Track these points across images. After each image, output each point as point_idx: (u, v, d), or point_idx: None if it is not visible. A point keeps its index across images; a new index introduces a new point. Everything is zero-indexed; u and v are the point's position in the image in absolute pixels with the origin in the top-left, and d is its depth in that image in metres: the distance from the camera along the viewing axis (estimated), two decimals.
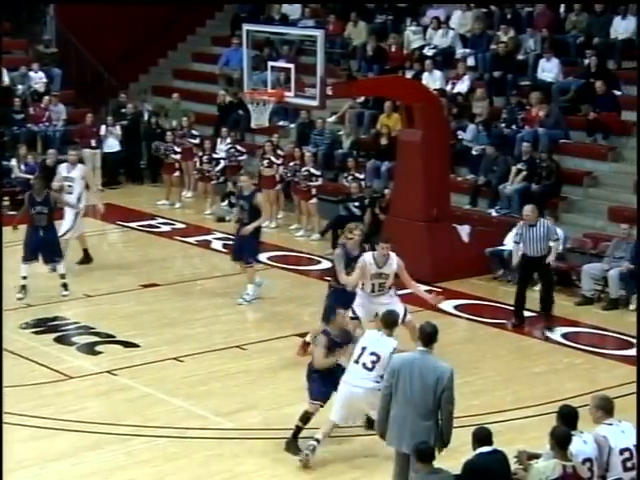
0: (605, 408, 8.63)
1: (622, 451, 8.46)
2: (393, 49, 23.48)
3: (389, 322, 10.68)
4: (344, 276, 13.20)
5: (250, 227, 15.70)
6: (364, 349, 10.57)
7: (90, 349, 13.94)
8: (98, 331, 14.59)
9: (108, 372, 13.12)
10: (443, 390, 9.09)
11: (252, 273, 15.96)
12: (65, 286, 15.85)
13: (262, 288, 16.13)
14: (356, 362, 10.59)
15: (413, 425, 9.09)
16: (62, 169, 17.54)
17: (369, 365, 10.48)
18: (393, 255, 13.26)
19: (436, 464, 8.43)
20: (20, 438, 11.32)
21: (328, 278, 14.15)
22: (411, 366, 9.19)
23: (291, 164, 20.41)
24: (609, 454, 8.42)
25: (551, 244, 15.12)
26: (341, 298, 13.22)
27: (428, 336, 9.42)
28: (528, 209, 15.28)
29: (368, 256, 13.16)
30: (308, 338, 13.51)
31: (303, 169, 20.20)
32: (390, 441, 9.37)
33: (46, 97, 24.13)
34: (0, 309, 12.46)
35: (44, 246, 15.74)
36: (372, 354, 10.49)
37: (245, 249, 15.93)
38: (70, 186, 17.19)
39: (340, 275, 13.28)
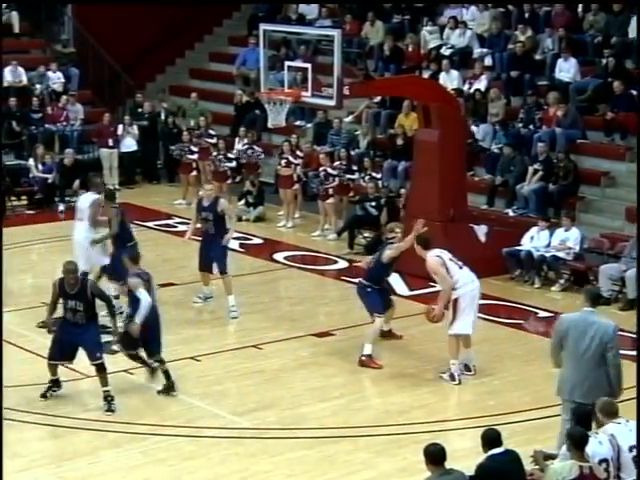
0: (606, 411, 8.64)
1: (631, 448, 8.45)
2: (410, 49, 23.45)
3: None
4: (449, 280, 13.02)
5: (229, 235, 15.20)
6: None
7: (107, 348, 13.93)
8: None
9: (125, 371, 13.14)
10: (609, 343, 9.98)
11: (229, 283, 15.29)
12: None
13: (211, 301, 15.68)
14: None
15: (586, 377, 9.96)
16: None
17: None
18: None
19: (449, 465, 8.41)
20: (38, 436, 11.38)
21: (364, 281, 13.96)
22: (581, 324, 10.12)
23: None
24: (618, 452, 8.41)
25: None
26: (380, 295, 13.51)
27: (595, 297, 10.50)
28: None
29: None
30: (366, 351, 13.43)
31: (320, 169, 20.21)
32: (564, 393, 10.23)
33: (64, 97, 24.20)
34: (0, 309, 12.47)
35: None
36: None
37: (217, 259, 15.25)
38: None
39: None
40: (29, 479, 10.43)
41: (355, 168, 20.33)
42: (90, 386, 12.65)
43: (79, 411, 11.90)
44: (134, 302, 12.28)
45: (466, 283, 13.10)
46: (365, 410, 12.21)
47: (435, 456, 8.26)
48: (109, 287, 14.46)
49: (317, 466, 10.78)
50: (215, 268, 15.37)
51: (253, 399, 12.43)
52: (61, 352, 12.22)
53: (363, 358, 13.45)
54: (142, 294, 12.16)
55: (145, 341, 12.40)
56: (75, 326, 12.03)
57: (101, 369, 12.10)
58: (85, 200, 15.38)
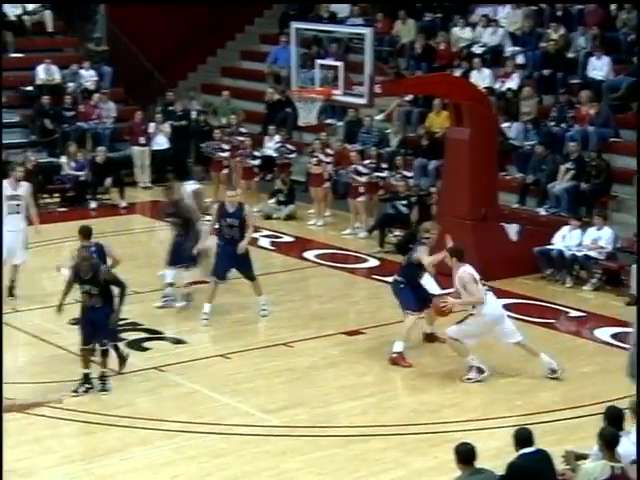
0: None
1: None
2: (442, 47, 23.41)
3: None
4: (479, 295, 12.84)
5: (245, 243, 14.79)
6: None
7: (138, 345, 14.04)
8: (146, 327, 14.68)
9: (156, 368, 13.21)
10: None
11: (259, 285, 15.17)
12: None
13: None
14: None
15: None
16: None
17: None
18: None
19: (479, 464, 8.40)
20: (69, 433, 11.45)
21: (398, 277, 13.95)
22: None
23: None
24: None
25: None
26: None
27: None
28: None
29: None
30: (397, 348, 13.43)
31: (351, 167, 20.21)
32: None
33: (96, 95, 24.33)
34: (0, 309, 12.53)
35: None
36: None
37: (245, 266, 15.00)
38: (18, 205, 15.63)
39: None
40: (61, 475, 10.48)
41: (385, 166, 20.33)
42: (121, 383, 12.72)
43: (110, 408, 11.94)
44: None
45: (493, 307, 12.98)
46: (395, 409, 12.20)
47: (466, 455, 8.25)
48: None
49: (347, 464, 10.78)
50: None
51: (283, 397, 12.45)
52: (88, 337, 12.53)
53: (394, 356, 13.44)
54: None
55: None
56: (92, 309, 12.47)
57: (105, 354, 12.50)
58: (188, 189, 15.56)
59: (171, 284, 15.53)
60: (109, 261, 13.52)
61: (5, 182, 15.49)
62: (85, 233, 13.55)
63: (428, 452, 11.03)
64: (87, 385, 12.47)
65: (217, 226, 15.03)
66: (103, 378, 12.44)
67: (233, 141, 22.53)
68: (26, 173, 17.32)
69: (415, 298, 13.62)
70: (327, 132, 21.97)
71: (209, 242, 15.22)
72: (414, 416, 11.96)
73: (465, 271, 12.93)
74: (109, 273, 12.58)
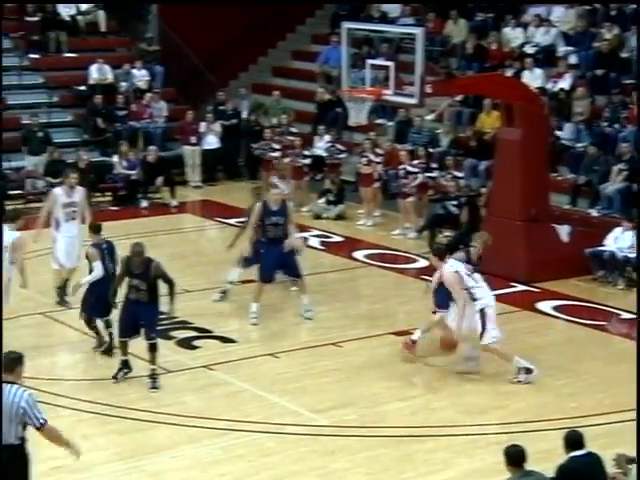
0: None
1: None
2: (493, 47, 23.30)
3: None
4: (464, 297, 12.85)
5: (293, 240, 14.68)
6: None
7: (188, 344, 14.11)
8: (196, 326, 14.75)
9: (205, 367, 13.26)
10: None
11: (304, 284, 15.13)
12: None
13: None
14: None
15: None
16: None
17: None
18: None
19: (529, 467, 8.34)
20: (119, 430, 11.52)
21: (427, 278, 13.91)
22: None
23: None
24: None
25: None
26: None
27: None
28: None
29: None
30: (415, 336, 13.46)
31: (400, 167, 20.17)
32: None
33: (148, 94, 24.48)
34: (0, 311, 12.63)
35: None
36: None
37: (291, 265, 14.94)
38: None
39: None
40: (111, 472, 10.56)
41: (435, 166, 20.26)
42: (171, 381, 12.79)
43: (160, 406, 12.01)
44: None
45: (488, 296, 12.98)
46: (444, 410, 12.16)
47: (515, 457, 8.20)
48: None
49: (396, 465, 10.76)
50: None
51: (332, 397, 12.45)
52: (126, 329, 12.68)
53: (407, 341, 13.45)
54: (96, 266, 13.29)
55: (100, 307, 13.38)
56: (137, 304, 12.50)
57: (153, 348, 12.57)
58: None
59: (231, 283, 15.65)
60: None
61: (60, 189, 15.59)
62: (95, 229, 13.80)
63: (475, 454, 10.98)
64: (126, 369, 12.75)
65: (260, 226, 14.88)
66: (153, 376, 12.55)
67: (284, 141, 22.57)
68: (80, 172, 17.49)
69: (448, 299, 13.51)
70: (377, 132, 21.94)
71: (296, 241, 15.20)
72: (463, 417, 11.90)
73: (449, 272, 12.87)
74: (160, 268, 12.65)
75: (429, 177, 19.98)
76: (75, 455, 8.61)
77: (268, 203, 14.90)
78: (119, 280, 12.88)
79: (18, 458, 8.35)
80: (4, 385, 8.20)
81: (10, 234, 13.38)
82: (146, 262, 12.49)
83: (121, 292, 12.98)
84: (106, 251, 13.55)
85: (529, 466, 8.30)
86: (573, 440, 8.31)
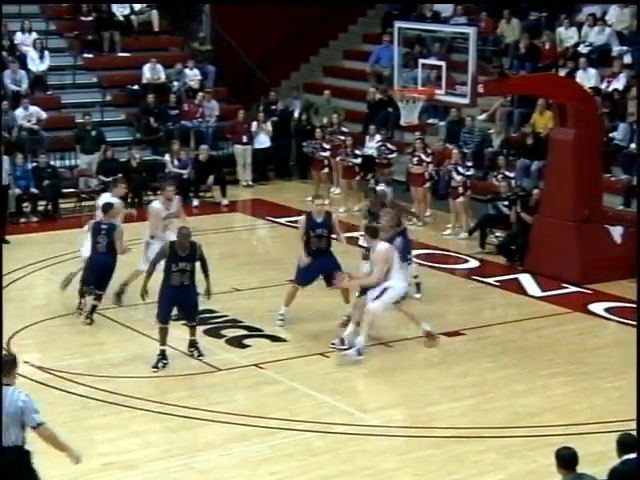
0: None
1: None
2: (546, 46, 23.14)
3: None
4: (381, 277, 13.39)
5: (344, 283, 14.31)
6: None
7: (238, 342, 14.16)
8: (246, 325, 14.79)
9: (255, 365, 13.30)
10: None
11: (348, 291, 14.87)
12: None
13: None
14: None
15: None
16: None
17: None
18: None
19: (580, 469, 8.27)
20: (170, 427, 11.58)
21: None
22: None
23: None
24: None
25: None
26: None
27: None
28: None
29: None
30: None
31: (449, 166, 20.10)
32: None
33: (200, 94, 24.60)
34: (0, 309, 12.69)
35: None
36: None
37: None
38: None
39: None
40: (161, 469, 10.61)
41: (470, 165, 20.12)
42: (221, 380, 12.85)
43: (210, 404, 12.06)
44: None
45: (401, 281, 13.58)
46: (495, 411, 12.09)
47: (567, 460, 8.12)
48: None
49: (445, 466, 10.72)
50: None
51: (381, 396, 12.44)
52: (168, 314, 13.14)
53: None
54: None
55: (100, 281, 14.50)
56: (180, 288, 12.96)
57: (194, 330, 13.34)
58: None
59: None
60: (118, 243, 14.47)
61: (158, 203, 15.56)
62: (105, 209, 14.78)
63: (527, 456, 10.91)
64: (164, 361, 13.05)
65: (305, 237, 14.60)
66: (195, 344, 13.29)
67: (334, 140, 22.58)
68: (132, 171, 17.57)
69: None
70: (428, 132, 21.86)
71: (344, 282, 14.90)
72: (514, 419, 11.84)
73: (383, 247, 13.36)
74: (202, 250, 13.20)
75: (467, 176, 19.82)
76: (74, 461, 8.61)
77: (312, 214, 14.72)
78: (153, 267, 13.31)
79: (23, 459, 8.43)
80: (3, 388, 8.29)
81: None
82: (192, 244, 13.06)
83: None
84: (105, 232, 14.51)
85: (580, 469, 8.22)
86: (626, 443, 8.21)
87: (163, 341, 13.16)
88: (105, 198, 15.46)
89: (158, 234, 15.23)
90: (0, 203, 18.95)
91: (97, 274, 14.59)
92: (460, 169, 19.77)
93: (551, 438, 10.95)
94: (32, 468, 8.59)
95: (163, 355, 13.13)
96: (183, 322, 13.52)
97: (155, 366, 13.01)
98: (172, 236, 14.82)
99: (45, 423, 8.40)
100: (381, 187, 17.82)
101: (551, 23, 23.92)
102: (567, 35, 23.22)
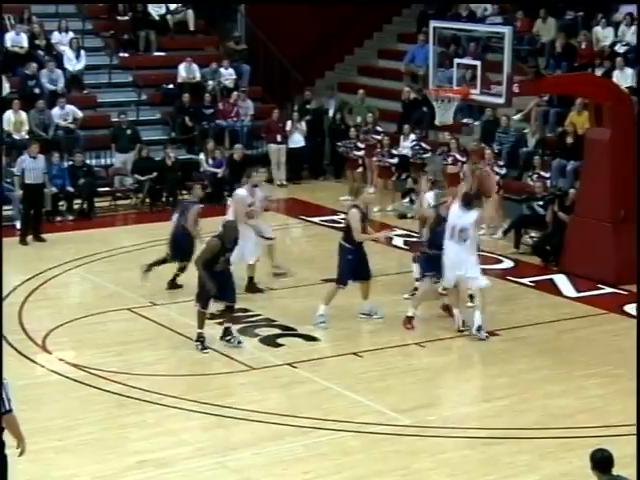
0: None
1: None
2: (583, 46, 23.00)
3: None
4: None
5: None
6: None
7: (272, 341, 14.17)
8: (280, 324, 14.81)
9: (289, 365, 13.31)
10: None
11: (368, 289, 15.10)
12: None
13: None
14: None
15: None
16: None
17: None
18: None
19: (616, 472, 8.21)
20: (204, 426, 11.62)
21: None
22: None
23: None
24: None
25: None
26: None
27: None
28: None
29: None
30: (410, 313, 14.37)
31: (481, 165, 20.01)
32: None
33: (235, 93, 24.65)
34: (0, 309, 12.71)
35: None
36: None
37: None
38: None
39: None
40: (195, 467, 10.64)
41: (502, 164, 20.05)
42: (254, 379, 12.87)
43: (243, 402, 12.08)
44: None
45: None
46: (529, 412, 12.03)
47: (602, 462, 8.06)
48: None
49: (479, 466, 10.68)
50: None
51: (415, 397, 12.41)
52: (209, 300, 13.53)
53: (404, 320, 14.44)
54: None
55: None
56: (223, 273, 13.49)
57: (231, 309, 13.83)
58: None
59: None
60: (189, 219, 15.66)
61: (243, 190, 16.08)
62: (194, 192, 16.34)
63: (562, 457, 10.85)
64: (203, 340, 13.62)
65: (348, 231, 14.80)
66: (229, 331, 13.72)
67: (369, 140, 22.55)
68: (167, 170, 17.68)
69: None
70: (462, 131, 21.78)
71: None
72: (549, 420, 11.78)
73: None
74: None
75: (501, 176, 19.73)
76: (20, 452, 8.57)
77: (361, 207, 14.80)
78: (215, 259, 13.42)
79: None
80: None
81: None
82: (237, 231, 13.96)
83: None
84: (183, 211, 15.89)
85: (616, 471, 8.17)
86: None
87: (202, 324, 13.67)
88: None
89: (243, 221, 15.47)
90: (34, 202, 19.08)
91: None
92: (495, 168, 19.69)
93: (586, 440, 10.88)
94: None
95: (202, 337, 13.64)
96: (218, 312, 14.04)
97: (204, 347, 13.53)
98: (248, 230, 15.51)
99: (13, 411, 8.35)
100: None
101: (588, 22, 23.77)
102: (604, 34, 23.07)
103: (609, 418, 11.84)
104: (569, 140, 20.37)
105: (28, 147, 19.42)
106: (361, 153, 22.47)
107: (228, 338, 13.73)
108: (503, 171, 19.83)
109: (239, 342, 13.74)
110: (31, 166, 18.95)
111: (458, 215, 14.14)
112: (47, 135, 21.98)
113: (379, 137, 22.55)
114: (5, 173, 19.66)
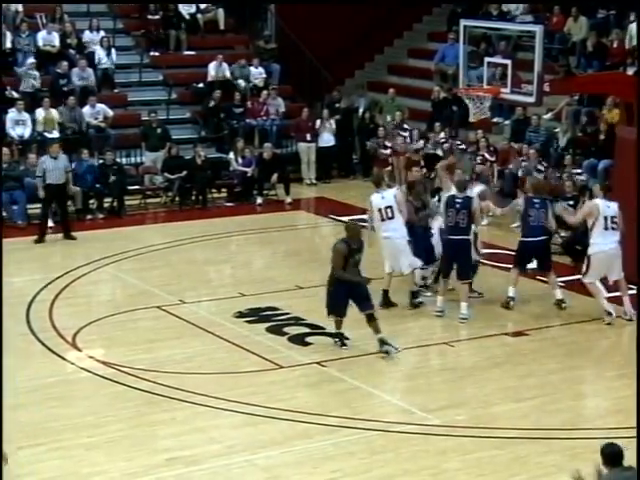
0: None
1: None
2: (614, 45, 22.87)
3: None
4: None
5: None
6: None
7: (300, 340, 14.18)
8: (308, 322, 14.81)
9: (317, 363, 13.32)
10: None
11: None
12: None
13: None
14: None
15: None
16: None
17: None
18: None
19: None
20: (233, 424, 11.64)
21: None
22: None
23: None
24: None
25: None
26: None
27: None
28: None
29: None
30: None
31: (511, 165, 19.97)
32: None
33: (264, 92, 24.68)
34: (0, 309, 12.72)
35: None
36: None
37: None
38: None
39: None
40: (224, 465, 10.67)
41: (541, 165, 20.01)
42: (283, 377, 12.88)
43: (272, 401, 12.10)
44: None
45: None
46: (559, 412, 11.99)
47: (611, 456, 8.08)
48: None
49: (508, 467, 10.65)
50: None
51: (444, 396, 12.39)
52: (344, 307, 13.48)
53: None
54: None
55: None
56: (350, 282, 13.31)
57: (372, 318, 13.49)
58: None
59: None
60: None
61: (375, 196, 15.32)
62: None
63: (591, 458, 10.71)
64: (345, 340, 13.76)
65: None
66: (384, 341, 13.40)
67: (395, 137, 22.52)
68: (197, 169, 17.62)
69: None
70: (492, 130, 21.72)
71: None
72: (579, 420, 11.74)
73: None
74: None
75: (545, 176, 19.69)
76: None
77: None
78: (345, 267, 13.37)
79: None
80: None
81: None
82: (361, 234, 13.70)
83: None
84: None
85: None
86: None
87: (338, 327, 13.72)
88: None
89: (375, 222, 15.29)
90: (57, 202, 19.13)
91: None
92: (539, 167, 19.62)
93: (617, 440, 10.80)
94: None
95: (342, 335, 13.72)
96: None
97: (343, 344, 13.65)
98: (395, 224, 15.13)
99: None
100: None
101: (620, 21, 23.63)
102: (635, 33, 22.92)
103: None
104: (602, 136, 20.23)
105: (48, 148, 19.49)
106: (389, 152, 22.45)
107: (385, 349, 13.40)
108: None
109: (396, 349, 13.42)
110: (52, 166, 18.96)
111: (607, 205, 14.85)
112: (77, 132, 22.06)
113: (406, 134, 22.51)
114: (32, 172, 19.72)
